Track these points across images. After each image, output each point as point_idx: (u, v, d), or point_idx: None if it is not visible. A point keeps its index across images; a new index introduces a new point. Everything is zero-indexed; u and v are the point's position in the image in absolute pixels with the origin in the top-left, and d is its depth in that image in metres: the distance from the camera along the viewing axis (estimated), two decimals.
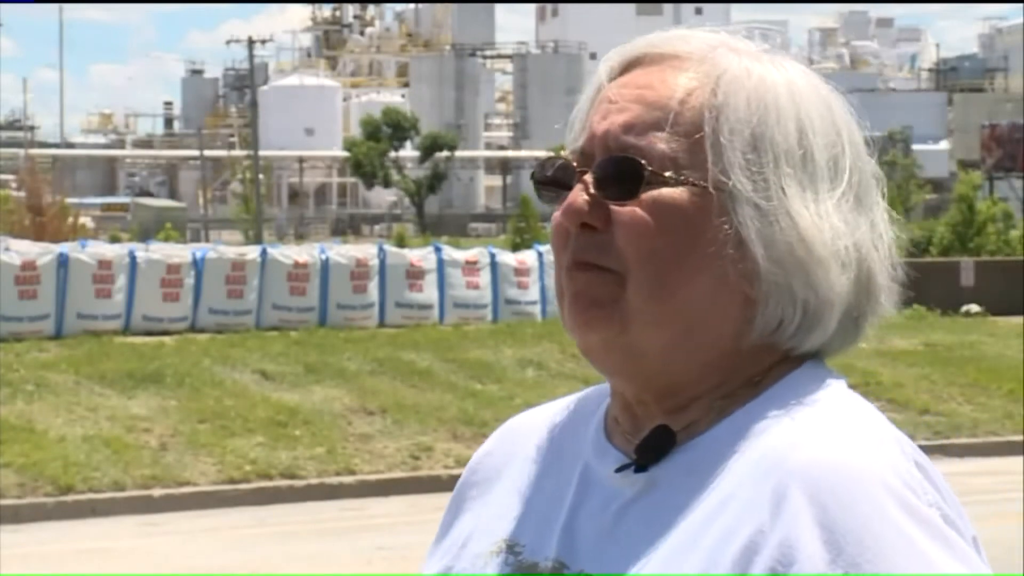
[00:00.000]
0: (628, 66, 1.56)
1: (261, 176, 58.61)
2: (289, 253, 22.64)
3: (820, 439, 1.44)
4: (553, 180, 1.55)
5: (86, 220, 44.06)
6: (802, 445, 1.43)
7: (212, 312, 21.22)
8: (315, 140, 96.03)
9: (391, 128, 78.79)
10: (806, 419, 1.47)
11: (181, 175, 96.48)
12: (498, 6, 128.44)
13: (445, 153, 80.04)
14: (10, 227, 31.46)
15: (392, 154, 78.69)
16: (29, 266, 20.08)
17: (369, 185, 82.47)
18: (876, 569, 1.36)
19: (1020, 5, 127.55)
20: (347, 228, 77.68)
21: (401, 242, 37.54)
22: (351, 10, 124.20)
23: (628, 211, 1.49)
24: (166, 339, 19.72)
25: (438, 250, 23.21)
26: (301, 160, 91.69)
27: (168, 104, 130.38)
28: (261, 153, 61.99)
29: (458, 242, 37.18)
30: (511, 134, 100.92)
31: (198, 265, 21.22)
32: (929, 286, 25.55)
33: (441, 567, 1.61)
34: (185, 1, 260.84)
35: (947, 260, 30.15)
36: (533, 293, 23.00)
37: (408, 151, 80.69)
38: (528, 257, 23.52)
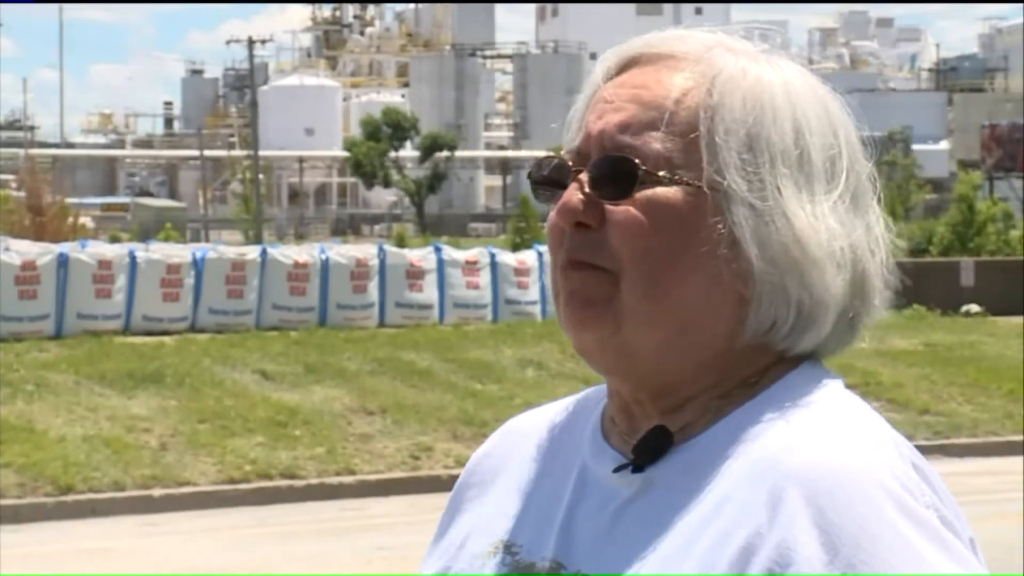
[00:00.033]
0: (625, 66, 1.57)
1: (261, 176, 58.61)
2: (289, 253, 22.64)
3: (817, 441, 1.43)
4: (549, 179, 1.56)
5: (86, 220, 44.07)
6: (799, 447, 1.43)
7: (212, 312, 21.22)
8: (315, 140, 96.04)
9: (391, 128, 78.79)
10: (803, 421, 1.47)
11: (181, 175, 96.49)
12: (498, 6, 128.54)
13: (445, 153, 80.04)
14: (10, 227, 31.46)
15: (392, 154, 78.69)
16: (29, 266, 20.08)
17: (369, 185, 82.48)
18: (873, 570, 1.36)
19: (1020, 5, 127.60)
20: (347, 228, 77.67)
21: (401, 242, 37.55)
22: (351, 10, 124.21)
23: (622, 210, 1.49)
24: (166, 339, 19.73)
25: (438, 250, 23.21)
26: (301, 160, 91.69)
27: (168, 104, 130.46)
28: (261, 153, 61.99)
29: (458, 242, 37.18)
30: (511, 134, 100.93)
31: (198, 265, 21.22)
32: (929, 286, 25.57)
33: (439, 567, 1.61)
34: (185, 1, 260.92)
35: (947, 260, 30.15)
36: (533, 293, 23.00)
37: (408, 151, 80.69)
38: (528, 257, 23.52)
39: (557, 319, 1.54)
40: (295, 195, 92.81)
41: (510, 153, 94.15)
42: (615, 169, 1.50)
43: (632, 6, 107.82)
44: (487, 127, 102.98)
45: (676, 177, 1.49)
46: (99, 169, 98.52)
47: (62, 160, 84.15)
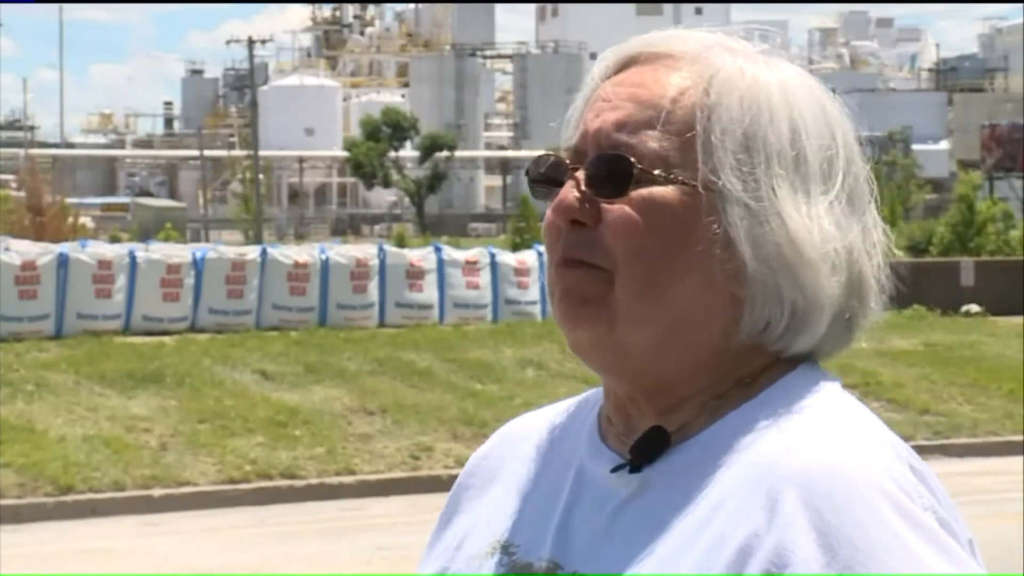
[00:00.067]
0: (623, 65, 1.57)
1: (261, 176, 58.61)
2: (289, 253, 22.64)
3: (815, 443, 1.43)
4: (546, 177, 1.55)
5: (86, 220, 44.05)
6: (797, 449, 1.43)
7: (212, 312, 21.22)
8: (315, 140, 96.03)
9: (391, 128, 78.80)
10: (801, 423, 1.46)
11: (181, 175, 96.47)
12: (498, 6, 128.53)
13: (445, 153, 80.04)
14: (10, 227, 31.45)
15: (392, 154, 78.70)
16: (29, 266, 20.08)
17: (369, 185, 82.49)
18: (870, 571, 1.36)
19: (1020, 5, 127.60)
20: (347, 228, 77.67)
21: (401, 242, 37.54)
22: (351, 10, 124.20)
23: (617, 209, 1.49)
24: (166, 339, 19.73)
25: (438, 250, 23.21)
26: (301, 160, 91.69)
27: (168, 104, 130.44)
28: (261, 153, 61.99)
29: (458, 242, 37.18)
30: (511, 134, 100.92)
31: (198, 265, 21.22)
32: (929, 286, 25.56)
33: (437, 568, 1.62)
34: (185, 1, 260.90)
35: (947, 260, 30.14)
36: (533, 293, 23.00)
37: (408, 151, 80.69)
38: (528, 257, 23.52)
39: (553, 317, 1.55)
40: (295, 195, 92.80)
41: (510, 153, 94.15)
42: (611, 167, 1.50)
43: (632, 6, 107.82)
44: (487, 127, 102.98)
45: (672, 176, 1.49)
46: (99, 169, 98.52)
47: (62, 160, 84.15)
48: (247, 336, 20.06)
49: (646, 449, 1.51)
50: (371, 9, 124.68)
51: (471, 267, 22.83)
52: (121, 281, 20.60)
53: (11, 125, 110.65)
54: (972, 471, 15.01)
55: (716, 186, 1.48)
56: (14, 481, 13.28)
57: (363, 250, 23.59)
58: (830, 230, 1.49)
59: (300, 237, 64.59)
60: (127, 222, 54.06)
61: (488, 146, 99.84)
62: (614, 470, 1.52)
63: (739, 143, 1.49)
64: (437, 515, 1.68)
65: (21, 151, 78.26)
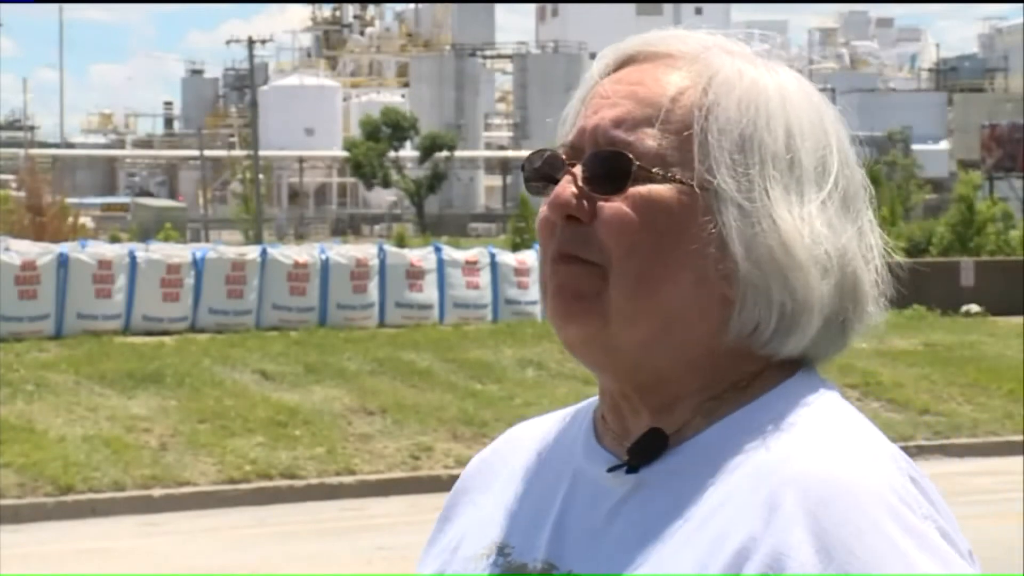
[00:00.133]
0: (622, 63, 1.57)
1: (261, 176, 58.62)
2: (289, 253, 22.65)
3: (814, 452, 1.43)
4: (542, 173, 1.55)
5: (86, 220, 44.05)
6: (796, 456, 1.43)
7: (212, 312, 21.22)
8: (315, 140, 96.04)
9: (391, 128, 78.80)
10: (800, 431, 1.46)
11: (181, 175, 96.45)
12: (498, 6, 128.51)
13: (445, 153, 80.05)
14: (10, 227, 31.45)
15: (392, 154, 78.70)
16: (29, 266, 20.08)
17: (369, 185, 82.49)
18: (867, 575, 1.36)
19: (1020, 5, 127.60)
20: (347, 228, 77.67)
21: (401, 242, 37.55)
22: (351, 10, 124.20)
23: (613, 205, 1.49)
24: (166, 339, 19.73)
25: (438, 250, 23.21)
26: (301, 160, 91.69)
27: (168, 104, 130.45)
28: (261, 153, 61.99)
29: (458, 242, 37.18)
30: (511, 134, 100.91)
31: (198, 265, 21.23)
32: (929, 286, 25.55)
33: (434, 569, 1.62)
34: (185, 1, 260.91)
35: (947, 260, 30.14)
36: (533, 293, 22.99)
37: (408, 151, 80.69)
38: (528, 257, 23.52)
39: (544, 313, 1.55)
40: (295, 195, 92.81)
41: (510, 153, 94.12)
42: (609, 164, 1.50)
43: (632, 6, 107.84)
44: (487, 127, 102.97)
45: (669, 175, 1.49)
46: (99, 169, 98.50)
47: (62, 160, 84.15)
48: (247, 336, 20.06)
49: (644, 450, 1.50)
50: (371, 9, 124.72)
51: (471, 267, 22.83)
52: (121, 281, 20.60)
53: (11, 125, 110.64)
54: (972, 471, 15.02)
55: (712, 186, 1.49)
56: (14, 481, 13.28)
57: (363, 250, 23.59)
58: (822, 231, 1.49)
59: (300, 237, 64.60)
60: (127, 222, 54.05)
61: (488, 146, 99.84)
62: (611, 470, 1.52)
63: (735, 144, 1.49)
64: (437, 515, 1.68)
65: (21, 151, 78.26)
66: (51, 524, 12.80)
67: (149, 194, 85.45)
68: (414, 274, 22.44)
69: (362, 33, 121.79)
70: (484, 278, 22.91)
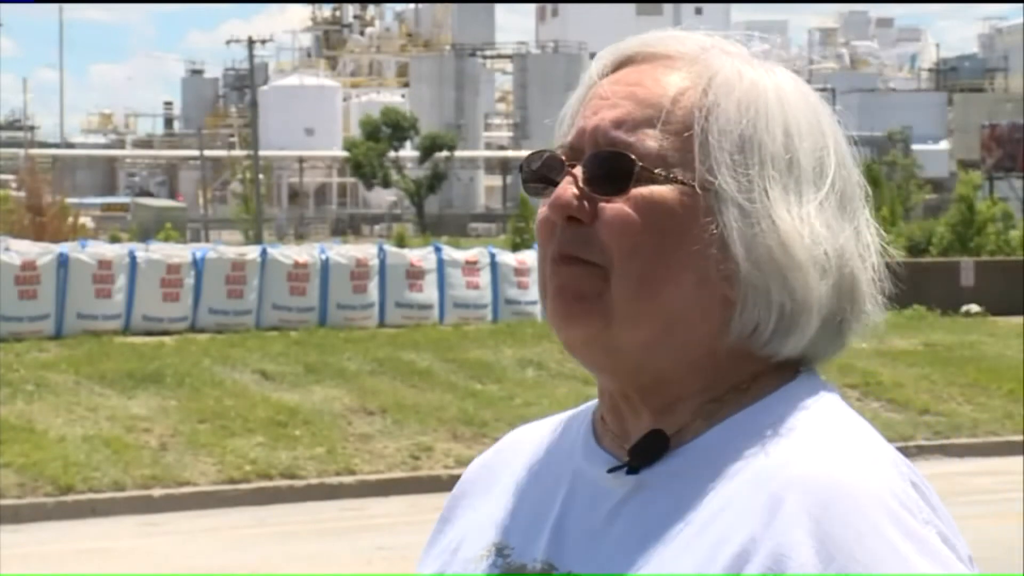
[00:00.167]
0: (620, 64, 1.57)
1: (261, 176, 58.62)
2: (289, 253, 22.65)
3: (816, 456, 1.43)
4: (540, 175, 1.55)
5: (86, 220, 44.03)
6: (797, 461, 1.43)
7: (212, 312, 21.22)
8: (315, 140, 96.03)
9: (391, 128, 78.80)
10: (800, 434, 1.46)
11: (181, 175, 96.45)
12: (498, 6, 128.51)
13: (445, 153, 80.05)
14: (10, 227, 31.45)
15: (392, 154, 78.70)
16: (29, 266, 20.08)
17: (369, 185, 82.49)
18: None
19: (1020, 5, 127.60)
20: (347, 228, 77.66)
21: (401, 242, 37.54)
22: (351, 10, 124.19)
23: (615, 206, 1.49)
24: (166, 339, 19.73)
25: (438, 250, 23.21)
26: (301, 160, 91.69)
27: (168, 104, 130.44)
28: (261, 153, 61.99)
29: (458, 242, 37.18)
30: (511, 134, 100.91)
31: (198, 265, 21.23)
32: (929, 286, 25.57)
33: (433, 570, 1.62)
34: (185, 1, 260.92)
35: (947, 260, 30.15)
36: (533, 293, 22.98)
37: (408, 151, 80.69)
38: (528, 257, 23.51)
39: (544, 314, 1.54)
40: (295, 195, 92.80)
41: (510, 153, 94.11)
42: (611, 165, 1.50)
43: (632, 6, 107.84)
44: (487, 127, 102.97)
45: (671, 175, 1.49)
46: (99, 169, 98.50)
47: (62, 160, 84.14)
48: (247, 336, 20.07)
49: (645, 451, 1.50)
50: (371, 9, 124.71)
51: (471, 267, 22.83)
52: (121, 281, 20.60)
53: (11, 125, 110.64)
54: (972, 471, 15.02)
55: (713, 186, 1.49)
56: (14, 481, 13.28)
57: (363, 250, 23.59)
58: (821, 231, 1.49)
59: (300, 237, 64.59)
60: (127, 222, 54.04)
61: (488, 146, 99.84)
62: (611, 471, 1.52)
63: (735, 145, 1.50)
64: (437, 516, 1.68)
65: (21, 151, 78.25)
66: (51, 524, 12.80)
67: (149, 194, 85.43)
68: (414, 274, 22.44)
69: (362, 33, 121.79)
70: (484, 278, 22.91)
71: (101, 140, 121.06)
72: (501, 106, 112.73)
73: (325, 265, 21.88)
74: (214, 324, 21.02)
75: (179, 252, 22.27)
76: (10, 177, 59.14)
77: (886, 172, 55.43)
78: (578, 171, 1.51)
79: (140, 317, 20.70)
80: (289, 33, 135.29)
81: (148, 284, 20.79)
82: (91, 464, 13.72)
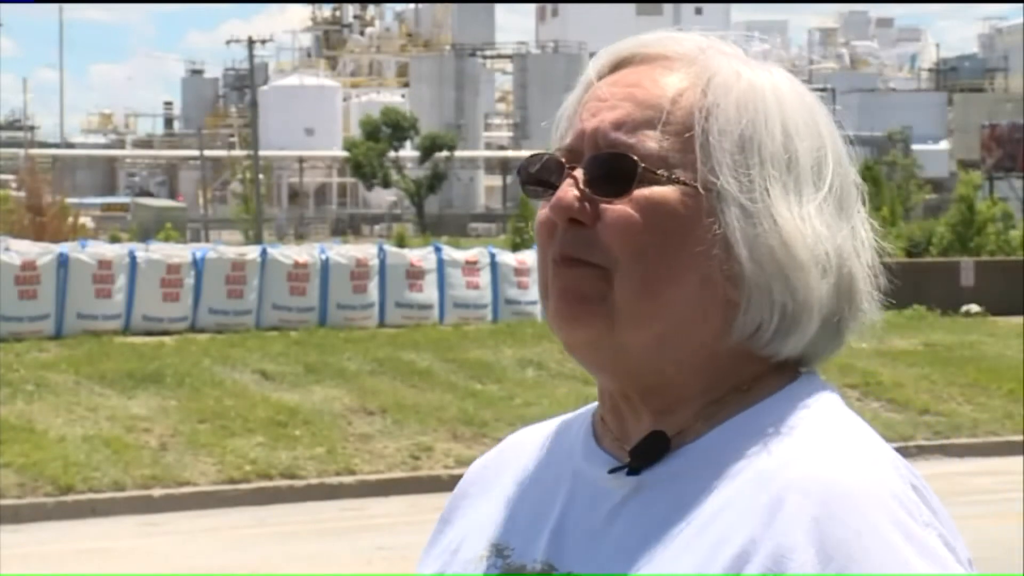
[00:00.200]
0: (617, 66, 1.57)
1: (261, 176, 58.61)
2: (289, 253, 22.65)
3: (816, 457, 1.43)
4: (539, 178, 1.55)
5: (86, 220, 44.03)
6: (798, 463, 1.43)
7: (212, 312, 21.22)
8: (315, 140, 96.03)
9: (391, 128, 78.81)
10: (801, 436, 1.46)
11: (181, 175, 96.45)
12: (498, 6, 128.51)
13: (445, 153, 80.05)
14: (10, 227, 31.45)
15: (392, 154, 78.70)
16: (29, 266, 20.08)
17: (369, 185, 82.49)
18: None
19: (1020, 5, 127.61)
20: (347, 228, 77.66)
21: (401, 242, 37.54)
22: (351, 10, 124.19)
23: (617, 208, 1.49)
24: (166, 339, 19.73)
25: (438, 250, 23.21)
26: (301, 160, 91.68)
27: (168, 104, 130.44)
28: (261, 153, 61.99)
29: (458, 242, 37.18)
30: (511, 134, 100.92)
31: (198, 265, 21.22)
32: (929, 286, 25.57)
33: (433, 571, 1.62)
34: (185, 1, 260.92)
35: (947, 260, 30.14)
36: (533, 293, 22.97)
37: (408, 151, 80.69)
38: (528, 257, 23.51)
39: (545, 315, 1.54)
40: (295, 195, 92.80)
41: (510, 153, 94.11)
42: (613, 166, 1.49)
43: (632, 6, 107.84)
44: (487, 127, 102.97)
45: (673, 176, 1.49)
46: (99, 169, 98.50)
47: (62, 160, 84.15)
48: (247, 336, 20.07)
49: (646, 452, 1.50)
50: (371, 9, 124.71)
51: (471, 267, 22.83)
52: (121, 281, 20.60)
53: (11, 125, 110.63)
54: (972, 471, 15.02)
55: (715, 186, 1.49)
56: (14, 481, 13.28)
57: (363, 250, 23.59)
58: (822, 231, 1.49)
59: (300, 237, 64.59)
60: (127, 222, 54.04)
61: (488, 146, 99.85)
62: (612, 471, 1.52)
63: (736, 145, 1.50)
64: (437, 515, 1.68)
65: (21, 151, 78.25)
66: (51, 524, 12.80)
67: (149, 194, 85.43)
68: (414, 274, 22.44)
69: (362, 33, 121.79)
70: (484, 278, 22.91)
71: (101, 140, 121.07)
72: (501, 106, 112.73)
73: (325, 265, 21.88)
74: (214, 324, 21.02)
75: (179, 252, 22.27)
76: (10, 177, 59.15)
77: (886, 172, 55.40)
78: (579, 173, 1.51)
79: (140, 317, 20.70)
80: (289, 33, 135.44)
81: (148, 284, 20.79)
82: (91, 464, 13.72)
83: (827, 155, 1.53)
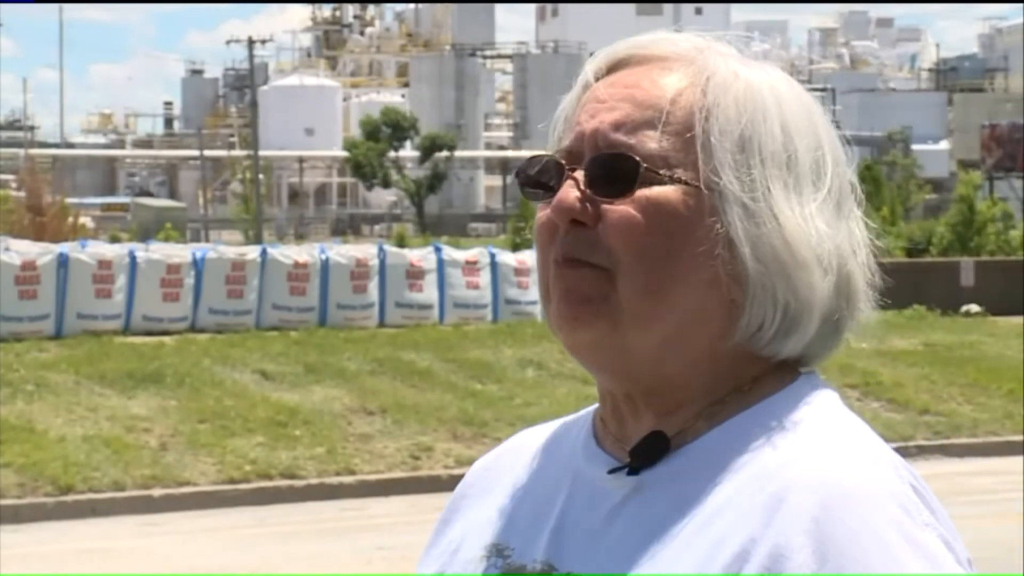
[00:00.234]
0: (614, 67, 1.57)
1: (261, 176, 58.61)
2: (289, 253, 22.65)
3: (816, 458, 1.44)
4: (538, 179, 1.55)
5: (86, 220, 44.05)
6: (798, 463, 1.44)
7: (212, 312, 21.22)
8: (315, 140, 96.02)
9: (391, 128, 78.80)
10: (801, 436, 1.47)
11: (181, 175, 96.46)
12: (498, 6, 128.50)
13: (445, 153, 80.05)
14: (10, 227, 31.45)
15: (392, 154, 78.70)
16: (29, 266, 20.08)
17: (369, 185, 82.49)
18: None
19: (1020, 5, 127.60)
20: (347, 228, 77.65)
21: (401, 242, 37.55)
22: (351, 10, 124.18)
23: (620, 209, 1.48)
24: (166, 339, 19.73)
25: (438, 250, 23.21)
26: (301, 160, 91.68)
27: (168, 104, 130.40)
28: (261, 153, 61.99)
29: (458, 242, 37.17)
30: (511, 134, 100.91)
31: (198, 265, 21.23)
32: (929, 286, 25.56)
33: (433, 571, 1.62)
34: (185, 1, 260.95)
35: (947, 260, 30.14)
36: (533, 293, 22.97)
37: (408, 151, 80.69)
38: (528, 257, 23.50)
39: (546, 317, 1.54)
40: (295, 195, 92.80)
41: (510, 153, 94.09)
42: (614, 167, 1.49)
43: (632, 6, 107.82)
44: (487, 127, 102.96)
45: (674, 176, 1.49)
46: (99, 169, 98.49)
47: (62, 160, 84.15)
48: (247, 336, 20.07)
49: (646, 452, 1.50)
50: (371, 9, 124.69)
51: (471, 267, 22.83)
52: (121, 281, 20.61)
53: (11, 125, 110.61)
54: (972, 471, 15.02)
55: (717, 186, 1.49)
56: (14, 481, 13.28)
57: (363, 250, 23.59)
58: (823, 230, 1.49)
59: (300, 237, 64.59)
60: (127, 222, 54.05)
61: (488, 146, 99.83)
62: (612, 472, 1.52)
63: (736, 144, 1.50)
64: (437, 515, 1.68)
65: (21, 151, 78.22)
66: (51, 524, 12.80)
67: (149, 194, 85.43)
68: (414, 274, 22.44)
69: (362, 33, 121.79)
70: (484, 278, 22.91)
71: (101, 140, 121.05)
72: (501, 106, 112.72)
73: (325, 265, 21.88)
74: (214, 324, 21.03)
75: (179, 252, 22.27)
76: (10, 177, 59.15)
77: (886, 172, 55.39)
78: (579, 174, 1.51)
79: (140, 317, 20.71)
80: (289, 33, 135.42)
81: (148, 284, 20.79)
82: (91, 464, 13.72)
83: (825, 154, 1.53)
